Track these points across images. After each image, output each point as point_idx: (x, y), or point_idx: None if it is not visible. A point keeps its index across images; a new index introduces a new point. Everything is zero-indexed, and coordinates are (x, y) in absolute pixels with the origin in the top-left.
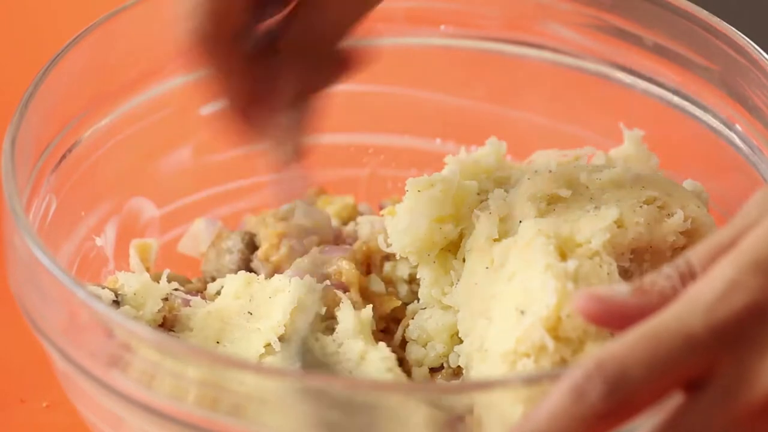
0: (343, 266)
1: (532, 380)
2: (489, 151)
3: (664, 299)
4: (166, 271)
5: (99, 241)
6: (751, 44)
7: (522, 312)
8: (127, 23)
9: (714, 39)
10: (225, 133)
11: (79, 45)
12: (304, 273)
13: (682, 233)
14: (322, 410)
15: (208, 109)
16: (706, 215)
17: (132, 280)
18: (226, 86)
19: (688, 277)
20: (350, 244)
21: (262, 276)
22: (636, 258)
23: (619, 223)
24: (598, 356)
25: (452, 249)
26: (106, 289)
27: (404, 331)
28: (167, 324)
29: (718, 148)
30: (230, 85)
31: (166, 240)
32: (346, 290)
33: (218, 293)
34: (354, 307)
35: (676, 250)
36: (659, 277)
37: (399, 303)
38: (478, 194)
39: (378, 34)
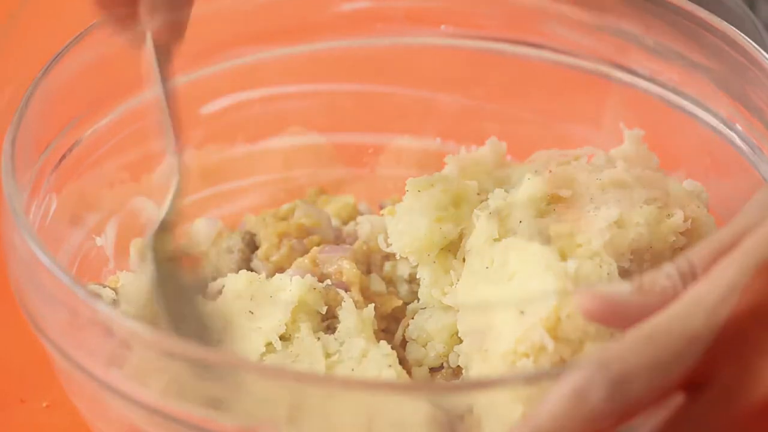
0: (344, 266)
1: (531, 379)
2: (489, 151)
3: (665, 299)
4: None
5: (99, 241)
6: (751, 44)
7: (522, 312)
8: None
9: (714, 39)
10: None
11: (79, 44)
12: (304, 272)
13: (682, 233)
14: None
15: (208, 109)
16: (706, 215)
17: (132, 280)
18: None
19: (690, 277)
20: (350, 244)
21: (263, 275)
22: (636, 258)
23: (620, 224)
24: (600, 357)
25: (452, 249)
26: (106, 288)
27: (404, 331)
28: None
29: (718, 148)
30: None
31: None
32: (347, 290)
33: (219, 293)
34: (355, 307)
35: (677, 251)
36: (660, 277)
37: (400, 303)
38: (478, 194)
39: (378, 34)
